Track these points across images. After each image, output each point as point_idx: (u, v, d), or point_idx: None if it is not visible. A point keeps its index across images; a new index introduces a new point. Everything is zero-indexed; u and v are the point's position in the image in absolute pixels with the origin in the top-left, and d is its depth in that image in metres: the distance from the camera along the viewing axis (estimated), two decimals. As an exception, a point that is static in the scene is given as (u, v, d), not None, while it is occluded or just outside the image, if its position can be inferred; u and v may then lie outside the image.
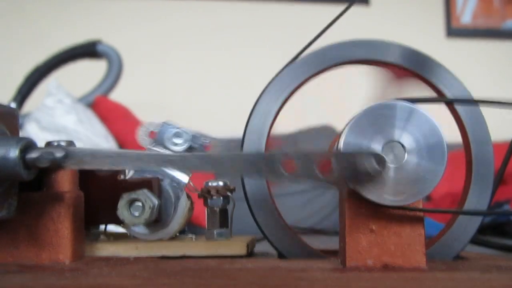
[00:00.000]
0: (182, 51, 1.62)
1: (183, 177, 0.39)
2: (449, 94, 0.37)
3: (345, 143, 0.30)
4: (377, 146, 0.30)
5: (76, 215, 0.34)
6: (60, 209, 0.34)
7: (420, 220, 0.32)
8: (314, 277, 0.29)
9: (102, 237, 0.41)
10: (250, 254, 0.39)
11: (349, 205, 0.32)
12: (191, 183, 0.40)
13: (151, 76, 1.57)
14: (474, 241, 0.47)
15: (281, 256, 0.37)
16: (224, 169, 0.31)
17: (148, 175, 0.38)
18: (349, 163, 0.30)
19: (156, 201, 0.36)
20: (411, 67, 0.38)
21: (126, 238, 0.40)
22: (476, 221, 0.37)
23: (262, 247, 0.42)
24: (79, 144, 0.35)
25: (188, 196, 0.40)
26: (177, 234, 0.41)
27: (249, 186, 0.37)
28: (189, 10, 1.66)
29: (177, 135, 0.39)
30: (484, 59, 1.77)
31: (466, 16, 1.82)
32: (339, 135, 0.33)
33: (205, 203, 0.40)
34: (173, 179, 0.39)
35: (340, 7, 0.39)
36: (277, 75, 0.38)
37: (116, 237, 0.41)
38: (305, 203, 1.19)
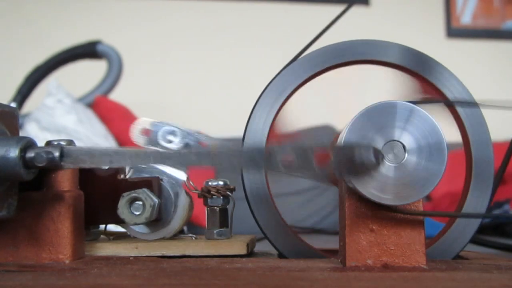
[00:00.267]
0: (182, 51, 1.62)
1: (181, 175, 0.39)
2: (449, 94, 0.37)
3: (345, 143, 0.30)
4: (377, 145, 0.30)
5: (76, 215, 0.34)
6: (60, 209, 0.34)
7: (420, 220, 0.32)
8: (314, 277, 0.29)
9: (102, 236, 0.41)
10: (250, 253, 0.39)
11: (349, 204, 0.32)
12: (191, 183, 0.40)
13: (151, 76, 1.57)
14: (474, 241, 0.47)
15: (281, 255, 0.37)
16: (223, 164, 0.31)
17: (146, 175, 0.38)
18: (346, 155, 0.30)
19: (156, 200, 0.36)
20: (411, 67, 0.38)
21: (126, 237, 0.40)
22: (476, 221, 0.37)
23: (262, 246, 0.42)
24: (79, 144, 0.35)
25: (187, 194, 0.40)
26: (177, 234, 0.41)
27: (249, 186, 0.37)
28: (189, 10, 1.66)
29: (172, 133, 0.39)
30: (484, 59, 1.77)
31: (466, 16, 1.82)
32: (339, 135, 0.33)
33: (205, 203, 0.40)
34: (170, 177, 0.39)
35: (340, 8, 0.39)
36: (277, 75, 0.38)
37: (116, 236, 0.41)
38: (305, 203, 1.19)
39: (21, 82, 1.14)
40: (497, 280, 0.29)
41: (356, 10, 1.63)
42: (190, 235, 0.40)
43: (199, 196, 0.40)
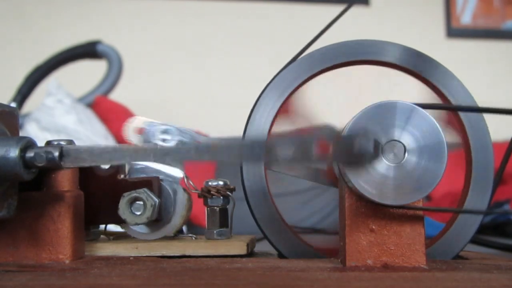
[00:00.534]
0: (182, 51, 1.62)
1: (177, 172, 0.39)
2: (449, 94, 0.37)
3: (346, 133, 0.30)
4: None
5: (76, 215, 0.34)
6: (60, 209, 0.34)
7: (420, 220, 0.32)
8: (314, 277, 0.29)
9: (102, 236, 0.41)
10: (250, 253, 0.39)
11: (349, 204, 0.32)
12: (191, 182, 0.40)
13: (151, 76, 1.57)
14: (474, 240, 0.47)
15: (281, 255, 0.37)
16: (223, 158, 0.30)
17: (143, 174, 0.38)
18: (346, 144, 0.30)
19: (157, 200, 0.36)
20: (411, 67, 0.38)
21: (126, 237, 0.40)
22: (476, 221, 0.37)
23: (262, 246, 0.42)
24: (79, 144, 0.35)
25: (185, 191, 0.40)
26: (177, 234, 0.41)
27: (249, 186, 0.37)
28: (189, 10, 1.66)
29: (166, 131, 0.39)
30: (484, 59, 1.77)
31: (466, 16, 1.82)
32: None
33: (205, 203, 0.40)
34: (167, 175, 0.39)
35: (340, 7, 0.39)
36: (277, 75, 0.38)
37: (116, 236, 0.41)
38: (305, 203, 1.18)
39: (21, 82, 1.14)
40: (497, 280, 0.29)
41: (356, 10, 1.64)
42: (190, 235, 0.40)
43: (199, 196, 0.40)
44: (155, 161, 0.32)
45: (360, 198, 0.32)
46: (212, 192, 0.40)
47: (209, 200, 0.40)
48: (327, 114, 0.41)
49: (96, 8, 1.60)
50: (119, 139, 1.13)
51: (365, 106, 0.31)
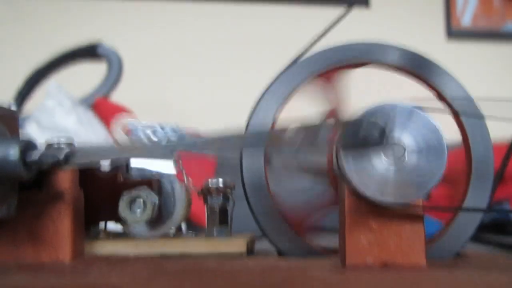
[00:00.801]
0: (182, 52, 1.62)
1: (170, 167, 0.39)
2: (449, 96, 0.37)
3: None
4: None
5: (76, 214, 0.34)
6: (60, 208, 0.34)
7: (420, 219, 0.32)
8: (314, 276, 0.29)
9: (102, 235, 0.41)
10: (250, 252, 0.39)
11: (349, 204, 0.32)
12: (190, 181, 0.40)
13: (151, 77, 1.57)
14: (474, 239, 0.47)
15: (281, 254, 0.37)
16: (228, 148, 0.30)
17: (138, 177, 0.38)
18: (353, 126, 0.30)
19: (157, 199, 0.36)
20: (411, 68, 0.38)
21: (126, 237, 0.40)
22: (476, 220, 0.37)
23: (262, 245, 0.42)
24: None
25: (182, 185, 0.40)
26: (177, 233, 0.41)
27: (249, 185, 0.37)
28: (189, 11, 1.66)
29: (152, 131, 0.39)
30: (484, 61, 1.77)
31: (466, 17, 1.82)
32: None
33: (205, 202, 0.40)
34: (162, 173, 0.39)
35: (340, 9, 0.39)
36: (278, 77, 0.38)
37: (116, 235, 0.41)
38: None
39: (21, 83, 1.14)
40: (497, 278, 0.29)
41: (356, 11, 1.63)
42: (190, 231, 0.40)
43: (199, 194, 0.40)
44: (162, 157, 0.32)
45: (360, 197, 0.32)
46: (212, 191, 0.40)
47: (209, 199, 0.40)
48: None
49: (97, 9, 1.60)
50: (119, 140, 1.13)
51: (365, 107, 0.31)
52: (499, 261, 0.35)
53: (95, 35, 1.27)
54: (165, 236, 0.39)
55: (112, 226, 0.40)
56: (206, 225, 0.40)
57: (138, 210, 0.36)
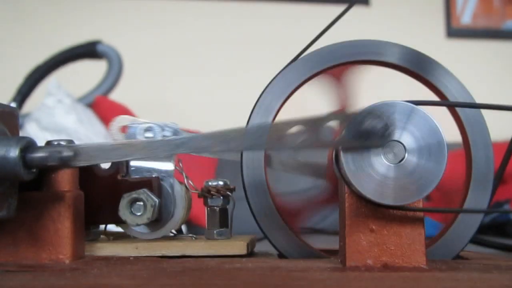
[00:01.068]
0: (182, 51, 1.62)
1: (168, 166, 0.39)
2: (449, 94, 0.37)
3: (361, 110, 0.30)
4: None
5: (76, 215, 0.34)
6: (60, 209, 0.34)
7: (420, 220, 0.32)
8: (314, 277, 0.29)
9: (102, 236, 0.41)
10: (250, 253, 0.39)
11: (349, 204, 0.32)
12: (191, 182, 0.40)
13: (151, 76, 1.57)
14: (474, 240, 0.47)
15: (281, 256, 0.37)
16: (231, 145, 0.30)
17: (136, 175, 0.38)
18: (357, 120, 0.30)
19: (157, 200, 0.36)
20: (411, 67, 0.38)
21: (126, 237, 0.40)
22: (476, 221, 0.37)
23: (262, 246, 0.42)
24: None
25: (182, 186, 0.40)
26: (177, 234, 0.41)
27: (249, 185, 0.37)
28: (189, 10, 1.65)
29: (149, 129, 0.39)
30: (484, 60, 1.77)
31: (466, 16, 1.82)
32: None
33: (205, 203, 0.40)
34: (160, 172, 0.39)
35: (340, 8, 0.39)
36: (277, 75, 0.38)
37: (116, 236, 0.41)
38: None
39: (21, 82, 1.14)
40: (497, 280, 0.29)
41: (356, 10, 1.63)
42: (190, 235, 0.40)
43: (199, 196, 0.40)
44: (166, 154, 0.32)
45: (360, 198, 0.32)
46: (212, 192, 0.40)
47: (209, 200, 0.40)
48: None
49: (96, 8, 1.60)
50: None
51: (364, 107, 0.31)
52: (500, 263, 0.34)
53: (95, 34, 1.27)
54: (165, 237, 0.39)
55: (113, 227, 0.40)
56: (206, 226, 0.40)
57: (138, 212, 0.36)
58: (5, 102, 0.34)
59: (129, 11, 1.62)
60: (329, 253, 0.37)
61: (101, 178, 0.38)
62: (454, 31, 1.80)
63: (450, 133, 0.36)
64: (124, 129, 0.39)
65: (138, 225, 0.37)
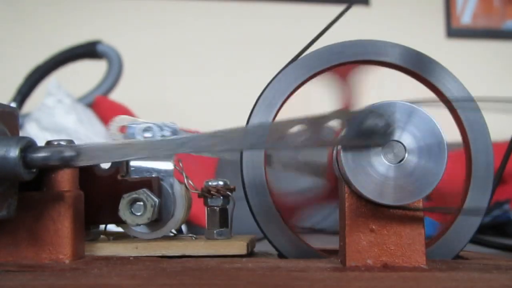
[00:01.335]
0: (182, 51, 1.62)
1: (167, 165, 0.39)
2: (448, 94, 0.37)
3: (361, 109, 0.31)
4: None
5: (76, 215, 0.34)
6: (60, 209, 0.34)
7: (420, 220, 0.32)
8: (314, 277, 0.29)
9: (102, 236, 0.41)
10: (250, 254, 0.39)
11: (349, 204, 0.32)
12: (191, 182, 0.40)
13: (151, 76, 1.57)
14: (474, 240, 0.47)
15: (281, 256, 0.37)
16: (234, 144, 0.30)
17: (136, 175, 0.38)
18: (357, 121, 0.30)
19: (157, 200, 0.36)
20: (411, 67, 0.38)
21: (126, 237, 0.40)
22: (476, 221, 0.37)
23: (262, 246, 0.42)
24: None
25: (182, 186, 0.40)
26: (177, 234, 0.41)
27: (249, 186, 0.37)
28: (189, 10, 1.65)
29: (147, 129, 0.39)
30: (484, 59, 1.77)
31: (466, 16, 1.82)
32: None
33: (205, 203, 0.40)
34: (159, 171, 0.39)
35: (340, 8, 0.39)
36: (277, 75, 0.38)
37: (116, 236, 0.41)
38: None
39: (21, 82, 1.14)
40: (497, 280, 0.29)
41: (356, 10, 1.63)
42: (190, 235, 0.40)
43: (199, 196, 0.40)
44: (169, 154, 0.32)
45: (360, 198, 0.32)
46: (212, 192, 0.40)
47: (209, 200, 0.40)
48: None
49: (96, 8, 1.60)
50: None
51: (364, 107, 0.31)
52: (500, 263, 0.34)
53: (95, 34, 1.27)
54: (165, 237, 0.39)
55: (113, 227, 0.40)
56: (206, 226, 0.40)
57: (138, 212, 0.36)
58: (5, 102, 0.34)
59: (129, 11, 1.62)
60: (329, 253, 0.37)
61: (101, 178, 0.38)
62: (454, 31, 1.80)
63: (450, 133, 0.36)
64: (123, 129, 0.39)
65: (138, 225, 0.37)
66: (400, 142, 0.30)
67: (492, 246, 0.54)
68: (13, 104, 1.09)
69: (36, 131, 1.00)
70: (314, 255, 0.37)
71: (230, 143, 0.31)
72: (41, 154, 0.31)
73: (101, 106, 1.18)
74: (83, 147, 0.31)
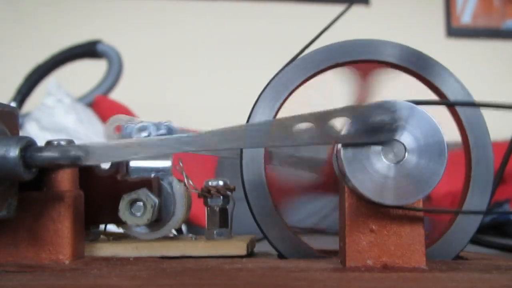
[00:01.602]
0: (182, 51, 1.62)
1: (165, 163, 0.39)
2: (448, 94, 0.37)
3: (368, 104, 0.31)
4: (377, 145, 0.30)
5: (76, 215, 0.34)
6: (60, 209, 0.34)
7: (420, 220, 0.32)
8: (314, 277, 0.29)
9: (102, 237, 0.41)
10: (250, 254, 0.39)
11: (349, 204, 0.32)
12: (191, 182, 0.40)
13: (151, 75, 1.57)
14: (474, 241, 0.47)
15: (281, 256, 0.37)
16: (241, 142, 0.30)
17: (135, 175, 0.38)
18: (364, 116, 0.30)
19: (157, 200, 0.36)
20: (411, 67, 0.38)
21: (126, 238, 0.40)
22: (476, 221, 0.37)
23: (262, 247, 0.42)
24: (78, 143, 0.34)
25: (182, 186, 0.39)
26: (177, 234, 0.41)
27: (249, 186, 0.37)
28: (189, 10, 1.65)
29: (143, 128, 0.39)
30: (484, 59, 1.77)
31: (466, 15, 1.82)
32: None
33: (205, 203, 0.40)
34: (157, 169, 0.39)
35: (340, 8, 0.39)
36: (276, 75, 0.38)
37: (116, 237, 0.41)
38: (305, 203, 1.19)
39: (21, 82, 1.14)
40: (497, 280, 0.29)
41: (356, 10, 1.63)
42: (190, 235, 0.40)
43: (199, 195, 0.40)
44: (177, 152, 0.32)
45: (360, 198, 0.32)
46: (212, 192, 0.40)
47: (209, 199, 0.40)
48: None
49: (96, 8, 1.60)
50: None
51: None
52: (500, 262, 0.34)
53: (95, 34, 1.27)
54: (166, 237, 0.39)
55: (113, 227, 0.40)
56: (206, 226, 0.40)
57: (138, 212, 0.36)
58: (5, 102, 0.34)
59: (129, 11, 1.62)
60: (329, 253, 0.37)
61: (101, 178, 0.38)
62: (454, 31, 1.80)
63: (450, 133, 0.36)
64: (118, 128, 0.39)
65: (138, 225, 0.37)
66: (400, 142, 0.30)
67: (492, 246, 0.53)
68: (13, 104, 1.09)
69: (36, 131, 1.00)
70: (314, 255, 0.37)
71: (239, 141, 0.31)
72: (52, 154, 0.31)
73: (101, 106, 1.18)
74: (91, 146, 0.31)
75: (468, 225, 0.36)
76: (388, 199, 0.30)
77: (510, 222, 0.81)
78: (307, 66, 0.38)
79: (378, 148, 0.30)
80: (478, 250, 0.44)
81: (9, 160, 0.30)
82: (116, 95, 1.24)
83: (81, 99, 1.17)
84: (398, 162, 0.30)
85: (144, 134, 0.39)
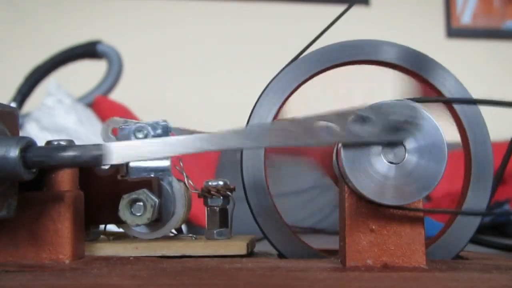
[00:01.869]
0: (182, 51, 1.62)
1: (164, 162, 0.39)
2: (448, 94, 0.37)
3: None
4: (377, 145, 0.30)
5: (76, 215, 0.34)
6: (60, 209, 0.34)
7: (420, 220, 0.32)
8: (314, 277, 0.29)
9: (102, 236, 0.41)
10: (250, 254, 0.39)
11: (349, 204, 0.32)
12: (191, 182, 0.40)
13: (151, 76, 1.57)
14: (474, 240, 0.47)
15: (281, 256, 0.37)
16: (250, 142, 0.30)
17: (134, 176, 0.38)
18: (384, 114, 0.30)
19: (156, 200, 0.36)
20: (411, 67, 0.38)
21: (126, 237, 0.40)
22: (476, 221, 0.37)
23: (262, 247, 0.42)
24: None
25: (182, 186, 0.39)
26: (177, 234, 0.41)
27: (249, 186, 0.37)
28: (189, 10, 1.66)
29: (140, 129, 0.39)
30: (484, 59, 1.77)
31: (466, 16, 1.82)
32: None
33: (205, 203, 0.40)
34: (156, 169, 0.38)
35: (340, 8, 0.39)
36: (277, 75, 0.38)
37: (116, 237, 0.41)
38: (305, 203, 1.19)
39: (21, 82, 1.14)
40: (497, 280, 0.29)
41: (356, 10, 1.63)
42: (190, 235, 0.40)
43: (199, 196, 0.40)
44: (194, 152, 0.32)
45: (360, 198, 0.32)
46: (212, 192, 0.40)
47: (209, 200, 0.40)
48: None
49: (96, 8, 1.60)
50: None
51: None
52: (500, 263, 0.34)
53: (95, 34, 1.27)
54: (165, 237, 0.39)
55: (113, 227, 0.40)
56: (206, 226, 0.40)
57: (138, 212, 0.36)
58: (5, 102, 0.34)
59: (129, 11, 1.62)
60: (329, 253, 0.37)
61: (101, 178, 0.38)
62: (454, 31, 1.80)
63: (450, 133, 0.36)
64: (115, 131, 0.39)
65: (138, 225, 0.37)
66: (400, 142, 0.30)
67: (492, 246, 0.53)
68: (13, 104, 1.09)
69: (36, 131, 0.99)
70: (314, 255, 0.37)
71: (254, 140, 0.31)
72: (73, 153, 0.31)
73: (101, 106, 1.18)
74: (111, 146, 0.31)
75: (468, 225, 0.37)
76: (388, 199, 0.30)
77: (510, 222, 0.81)
78: (308, 66, 0.38)
79: (379, 148, 0.30)
80: (478, 250, 0.44)
81: (9, 160, 0.30)
82: (116, 95, 1.24)
83: (81, 100, 1.17)
84: (398, 162, 0.30)
85: (141, 135, 0.39)
